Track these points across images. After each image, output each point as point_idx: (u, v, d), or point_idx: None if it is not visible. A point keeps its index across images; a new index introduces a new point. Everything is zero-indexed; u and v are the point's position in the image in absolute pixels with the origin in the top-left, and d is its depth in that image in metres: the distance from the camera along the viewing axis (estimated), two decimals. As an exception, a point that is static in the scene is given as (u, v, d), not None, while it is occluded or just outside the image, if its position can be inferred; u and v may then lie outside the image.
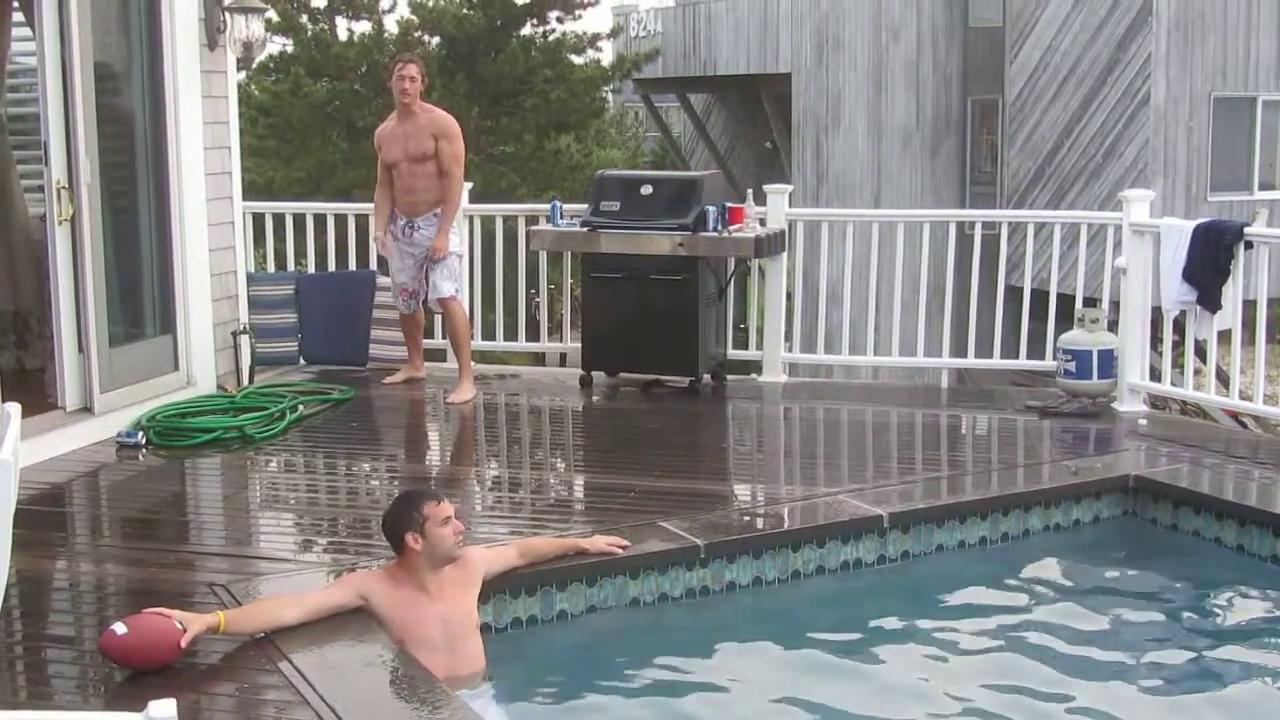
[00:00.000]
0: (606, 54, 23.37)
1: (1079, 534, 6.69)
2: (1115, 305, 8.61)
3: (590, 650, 5.39)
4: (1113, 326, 8.55)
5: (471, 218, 9.77)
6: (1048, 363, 8.93)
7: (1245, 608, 5.93)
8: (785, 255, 9.34)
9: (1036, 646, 5.52)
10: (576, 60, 21.53)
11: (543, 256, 9.83)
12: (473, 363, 9.00)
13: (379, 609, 4.88)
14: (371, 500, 6.96)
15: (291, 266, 10.45)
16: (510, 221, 10.10)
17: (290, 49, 21.14)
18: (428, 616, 4.87)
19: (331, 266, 9.96)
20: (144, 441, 7.45)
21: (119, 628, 4.47)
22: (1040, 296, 9.23)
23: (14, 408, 3.84)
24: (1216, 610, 5.96)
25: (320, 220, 10.03)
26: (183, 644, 4.50)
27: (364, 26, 21.06)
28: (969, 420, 8.57)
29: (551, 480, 7.30)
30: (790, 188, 9.80)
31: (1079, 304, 8.77)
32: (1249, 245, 7.78)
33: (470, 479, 7.41)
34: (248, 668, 4.57)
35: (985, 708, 5.00)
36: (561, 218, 9.26)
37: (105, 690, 4.47)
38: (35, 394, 7.38)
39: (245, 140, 11.94)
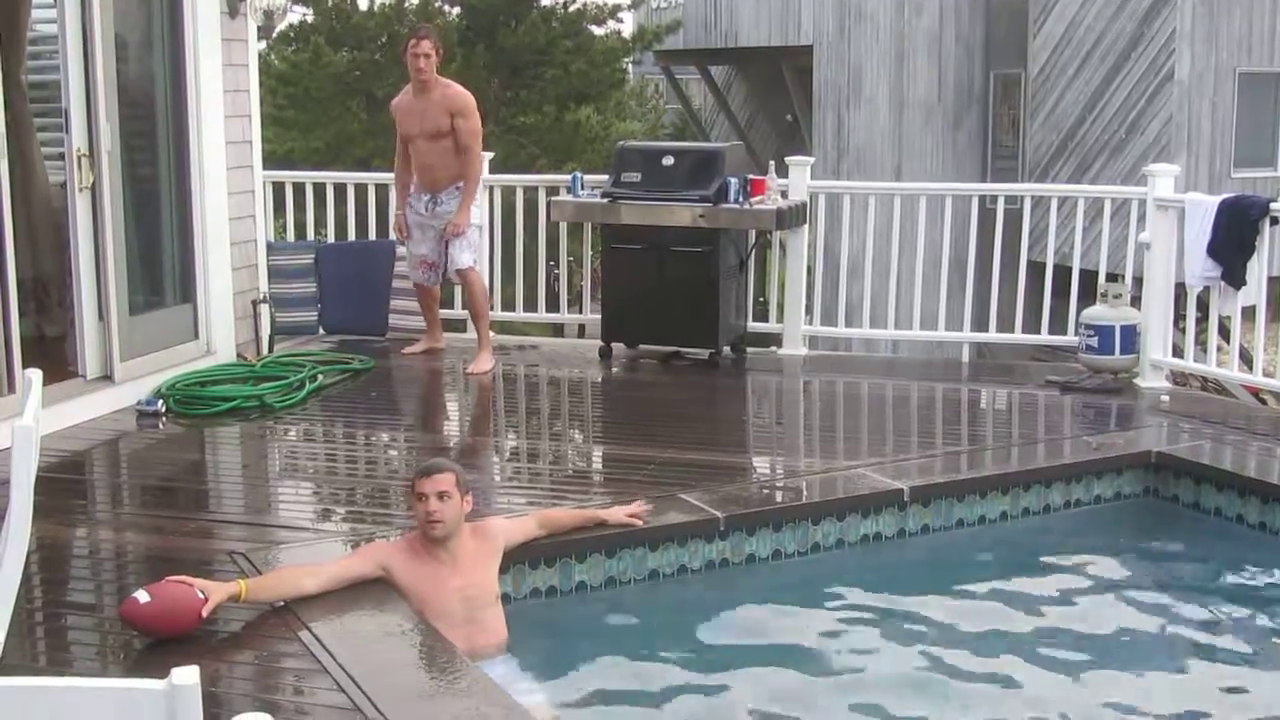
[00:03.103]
0: (627, 25, 23.26)
1: (1100, 510, 6.66)
2: (1138, 281, 8.56)
3: (609, 622, 5.38)
4: (1135, 302, 8.51)
5: (491, 189, 9.75)
6: (1069, 338, 8.89)
7: (1268, 585, 5.91)
8: (806, 228, 9.30)
9: (1055, 623, 5.51)
10: (597, 31, 21.42)
11: (563, 228, 9.79)
12: (491, 333, 8.99)
13: (399, 580, 4.88)
14: (390, 470, 6.97)
15: (311, 236, 10.45)
16: (530, 192, 10.08)
17: (310, 18, 21.08)
18: (446, 588, 4.86)
19: (351, 236, 9.95)
20: (164, 410, 7.46)
21: (142, 596, 4.47)
22: (1062, 271, 9.18)
23: (35, 374, 3.83)
24: (1238, 587, 5.93)
25: (340, 190, 10.02)
26: (204, 613, 4.51)
27: (384, -4, 21.01)
28: (989, 395, 8.54)
29: (570, 452, 7.29)
30: (812, 160, 9.76)
31: (1102, 279, 8.72)
32: (1275, 221, 7.73)
33: (489, 450, 7.41)
34: (268, 636, 4.58)
35: (1003, 682, 4.99)
36: (582, 189, 9.23)
37: (125, 657, 4.49)
38: (56, 362, 7.39)
39: (265, 110, 11.94)
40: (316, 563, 5.03)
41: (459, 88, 8.82)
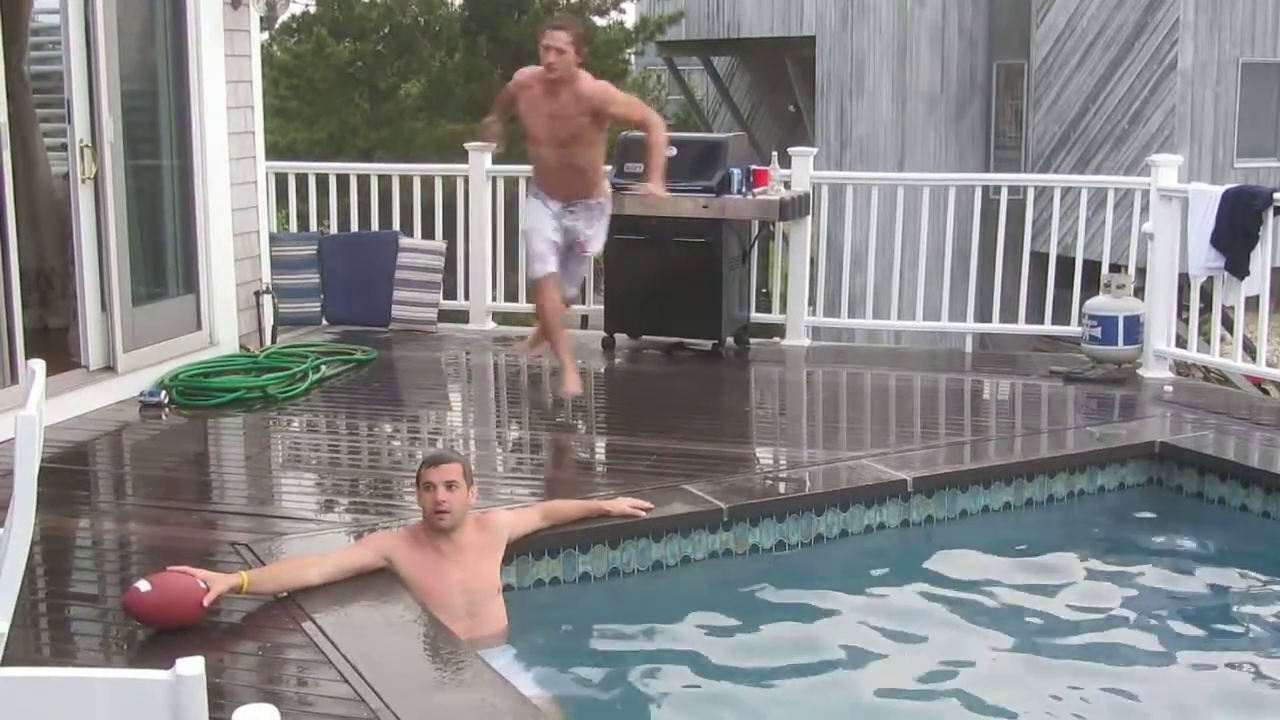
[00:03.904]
0: (629, 16, 23.25)
1: (1104, 500, 6.66)
2: (1141, 271, 8.55)
3: (612, 613, 5.38)
4: (1138, 293, 8.50)
5: (495, 179, 9.73)
6: (1072, 328, 8.87)
7: (1272, 575, 5.90)
8: (809, 219, 9.29)
9: (1060, 613, 5.51)
10: (599, 22, 21.42)
11: (565, 218, 9.78)
12: (494, 324, 8.96)
13: (401, 570, 4.88)
14: (393, 461, 6.96)
15: (313, 227, 10.45)
16: (533, 183, 10.05)
17: (313, 9, 21.10)
18: (448, 581, 4.86)
19: (354, 227, 9.94)
20: (167, 401, 7.46)
21: (143, 585, 4.48)
22: (1065, 262, 9.17)
23: (38, 365, 3.82)
24: (1242, 577, 5.92)
25: (343, 181, 10.01)
26: (206, 603, 4.50)
27: (387, -13, 20.96)
28: (992, 385, 8.53)
29: (573, 443, 7.29)
30: (815, 151, 9.75)
31: (1105, 269, 8.71)
32: (1278, 211, 7.72)
33: (492, 440, 7.41)
34: (271, 627, 4.58)
35: (1007, 673, 4.99)
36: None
37: (128, 648, 4.48)
38: (59, 353, 7.38)
39: (267, 101, 11.94)
40: (319, 553, 5.03)
41: (588, 80, 7.36)
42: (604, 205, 7.54)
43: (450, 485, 4.87)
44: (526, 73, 7.45)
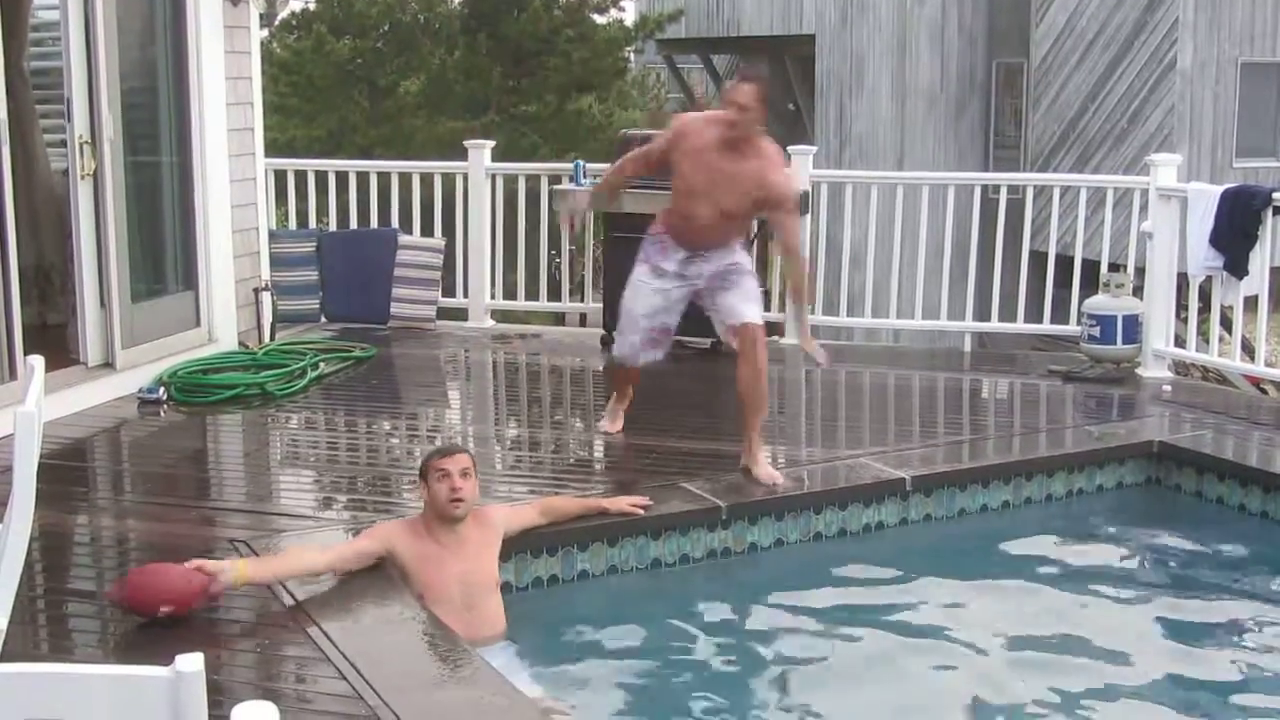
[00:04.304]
0: (629, 14, 23.22)
1: (1102, 500, 6.67)
2: (1140, 271, 8.56)
3: (611, 611, 5.38)
4: (1137, 292, 8.50)
5: (494, 177, 9.74)
6: (1071, 327, 8.88)
7: (1269, 574, 5.90)
8: (809, 217, 9.28)
9: (1057, 612, 5.51)
10: (599, 20, 21.41)
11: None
12: (492, 321, 8.92)
13: (401, 561, 4.89)
14: (391, 458, 6.96)
15: (313, 224, 10.45)
16: (532, 181, 10.06)
17: (312, 6, 21.08)
18: (447, 573, 4.86)
19: (353, 224, 9.94)
20: (165, 397, 7.46)
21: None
22: (1065, 261, 9.18)
23: (37, 361, 3.82)
24: (1239, 576, 5.93)
25: (342, 178, 10.01)
26: (190, 564, 4.54)
27: (387, -16, 20.93)
28: (991, 384, 8.54)
29: (572, 440, 7.29)
30: (814, 149, 9.75)
31: (1104, 269, 8.71)
32: (1277, 211, 7.72)
33: (491, 438, 7.40)
34: (269, 624, 4.58)
35: (1003, 671, 4.99)
36: (584, 177, 9.22)
37: (128, 645, 4.48)
38: (58, 349, 7.38)
39: (267, 98, 11.94)
40: (321, 546, 5.05)
41: (780, 170, 6.47)
42: (729, 248, 6.50)
43: (465, 473, 4.92)
44: (690, 121, 6.51)
